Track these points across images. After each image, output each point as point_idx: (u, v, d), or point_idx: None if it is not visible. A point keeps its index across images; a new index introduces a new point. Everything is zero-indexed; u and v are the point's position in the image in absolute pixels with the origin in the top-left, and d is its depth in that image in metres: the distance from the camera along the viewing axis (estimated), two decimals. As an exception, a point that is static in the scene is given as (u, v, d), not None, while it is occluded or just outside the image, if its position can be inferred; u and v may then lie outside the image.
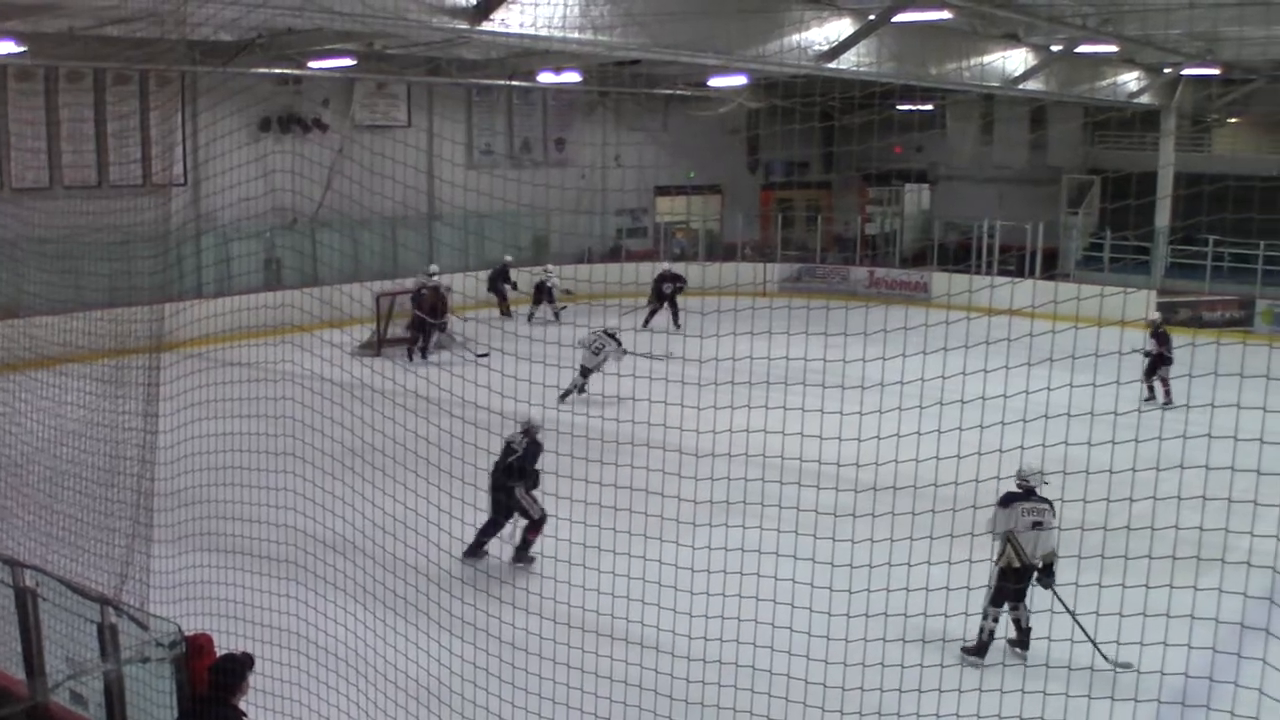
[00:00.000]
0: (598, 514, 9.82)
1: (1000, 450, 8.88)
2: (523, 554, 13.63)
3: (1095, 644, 10.57)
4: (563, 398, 19.91)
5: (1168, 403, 21.52)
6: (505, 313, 32.19)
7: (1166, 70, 32.95)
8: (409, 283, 28.19)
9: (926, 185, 43.48)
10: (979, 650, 11.52)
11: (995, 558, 11.53)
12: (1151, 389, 22.19)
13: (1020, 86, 28.68)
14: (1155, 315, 23.07)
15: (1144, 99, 33.90)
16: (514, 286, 32.30)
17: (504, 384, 10.02)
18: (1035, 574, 11.49)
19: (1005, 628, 11.65)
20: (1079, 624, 10.38)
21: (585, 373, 21.68)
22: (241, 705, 7.54)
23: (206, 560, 10.32)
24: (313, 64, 27.12)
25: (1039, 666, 10.78)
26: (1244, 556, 8.14)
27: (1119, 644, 10.05)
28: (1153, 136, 36.29)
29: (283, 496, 10.54)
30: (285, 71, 27.59)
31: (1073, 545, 10.96)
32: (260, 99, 29.13)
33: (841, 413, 9.52)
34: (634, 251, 38.72)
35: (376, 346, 25.51)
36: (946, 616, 9.11)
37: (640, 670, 9.21)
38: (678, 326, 27.71)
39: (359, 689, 9.38)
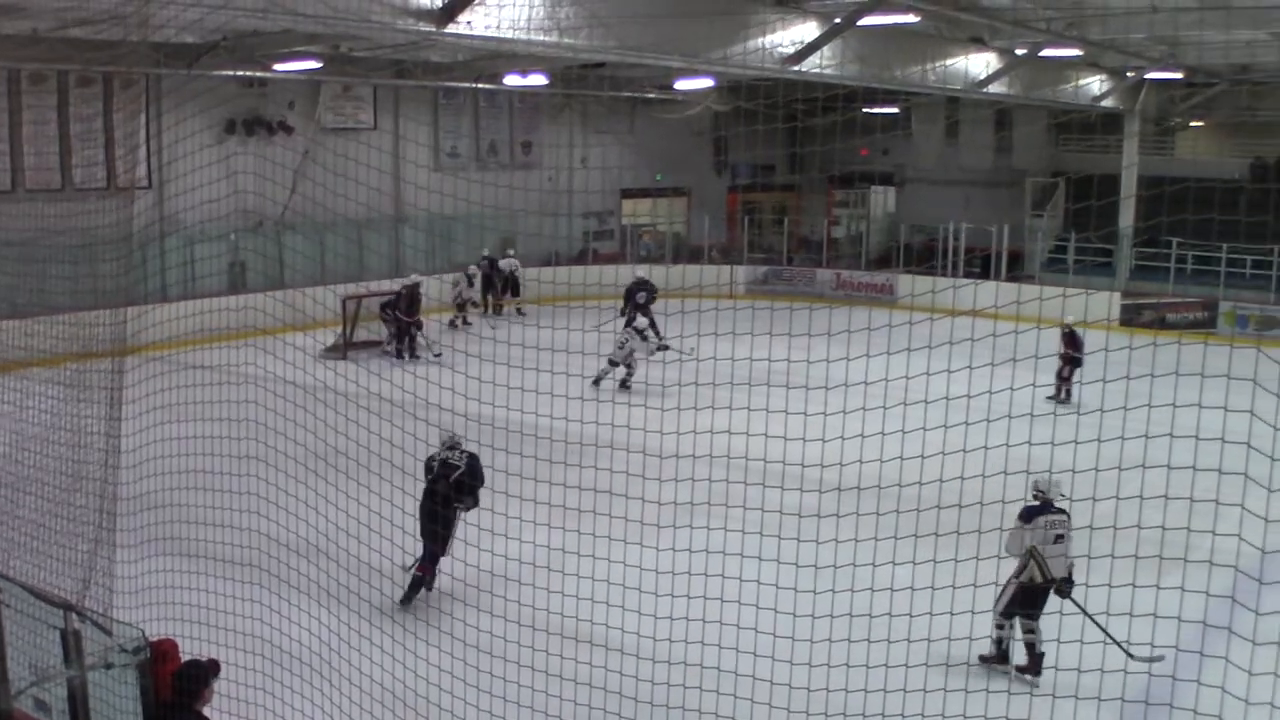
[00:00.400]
0: (561, 516, 9.81)
1: (964, 450, 8.91)
2: (413, 595, 12.76)
3: (1121, 645, 10.50)
4: (595, 382, 22.61)
5: (1064, 400, 21.89)
6: (498, 311, 32.85)
7: (1130, 74, 33.17)
8: (375, 285, 28.22)
9: (892, 188, 43.63)
10: (1001, 658, 11.37)
11: (1015, 572, 11.30)
12: (1059, 389, 22.50)
13: (985, 90, 28.83)
14: (1069, 318, 23.21)
15: (1108, 102, 34.13)
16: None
17: (467, 386, 10.00)
18: (1055, 585, 11.27)
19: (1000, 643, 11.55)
20: (1100, 626, 10.33)
21: (612, 364, 23.53)
22: (206, 712, 7.51)
23: (171, 565, 10.26)
24: (278, 66, 27.01)
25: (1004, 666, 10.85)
26: (1206, 555, 8.18)
27: (1083, 643, 10.11)
28: (1116, 139, 36.55)
29: (247, 500, 10.50)
30: (250, 74, 27.45)
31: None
32: (224, 101, 29.01)
33: (805, 413, 9.54)
34: (601, 254, 38.73)
35: (342, 350, 25.44)
36: (911, 616, 9.13)
37: (605, 673, 9.21)
38: (659, 336, 27.26)
39: (323, 693, 9.35)
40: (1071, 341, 22.49)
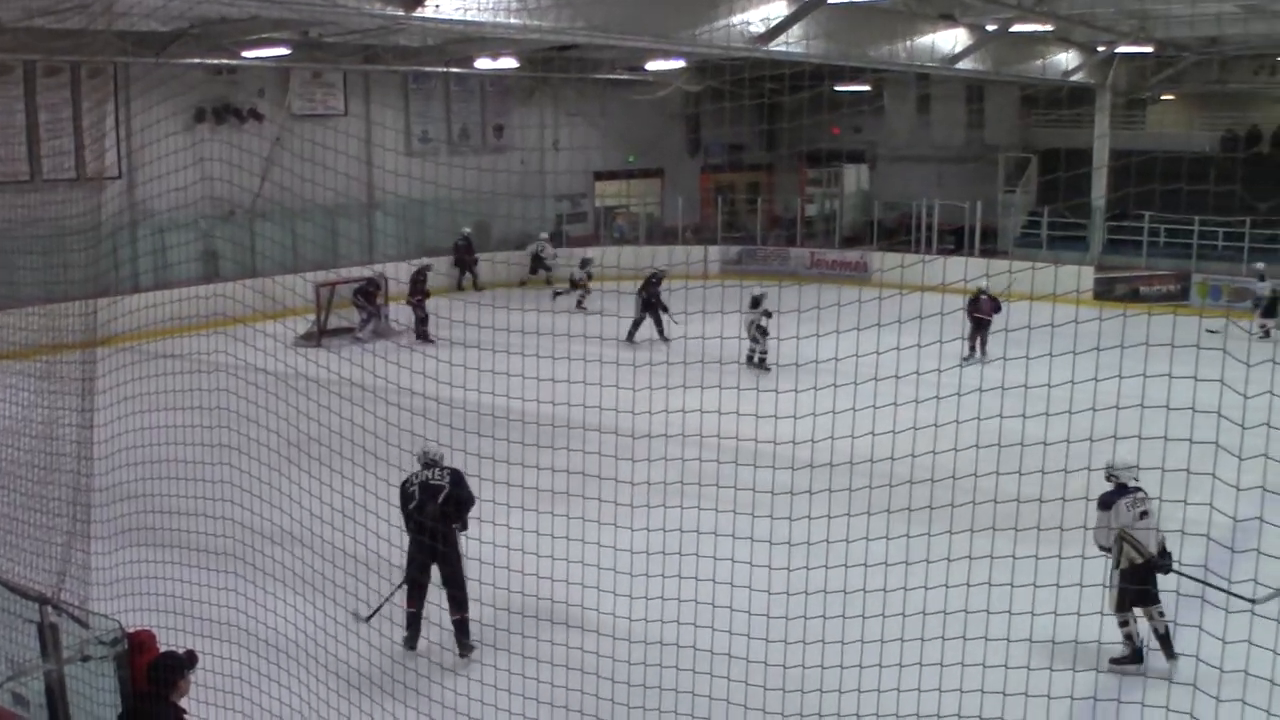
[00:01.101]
0: (535, 498, 9.83)
1: (935, 425, 8.95)
2: (466, 640, 11.34)
3: (1236, 594, 10.29)
4: (750, 361, 21.56)
5: (970, 358, 21.91)
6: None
7: (1100, 49, 33.20)
8: (352, 271, 28.23)
9: (865, 165, 43.64)
10: (1135, 657, 11.00)
11: (1114, 562, 11.01)
12: (973, 348, 22.66)
13: (956, 66, 28.84)
14: (983, 282, 23.28)
15: (1079, 77, 34.17)
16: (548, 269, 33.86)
17: (438, 370, 10.00)
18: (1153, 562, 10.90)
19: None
20: (1214, 585, 10.22)
21: (754, 341, 22.75)
22: (184, 702, 7.50)
23: (146, 555, 10.26)
24: (247, 53, 26.92)
25: (978, 639, 10.92)
26: (1179, 525, 8.24)
27: (1056, 615, 10.18)
28: (1087, 113, 36.61)
29: (222, 489, 10.48)
30: (219, 61, 27.38)
31: (1009, 518, 11.07)
32: (193, 88, 28.87)
33: (777, 391, 9.56)
34: (574, 236, 38.71)
35: (316, 337, 25.41)
36: (885, 591, 9.19)
37: (581, 654, 9.23)
38: (665, 340, 25.13)
39: (300, 680, 9.35)
40: (974, 304, 22.60)
